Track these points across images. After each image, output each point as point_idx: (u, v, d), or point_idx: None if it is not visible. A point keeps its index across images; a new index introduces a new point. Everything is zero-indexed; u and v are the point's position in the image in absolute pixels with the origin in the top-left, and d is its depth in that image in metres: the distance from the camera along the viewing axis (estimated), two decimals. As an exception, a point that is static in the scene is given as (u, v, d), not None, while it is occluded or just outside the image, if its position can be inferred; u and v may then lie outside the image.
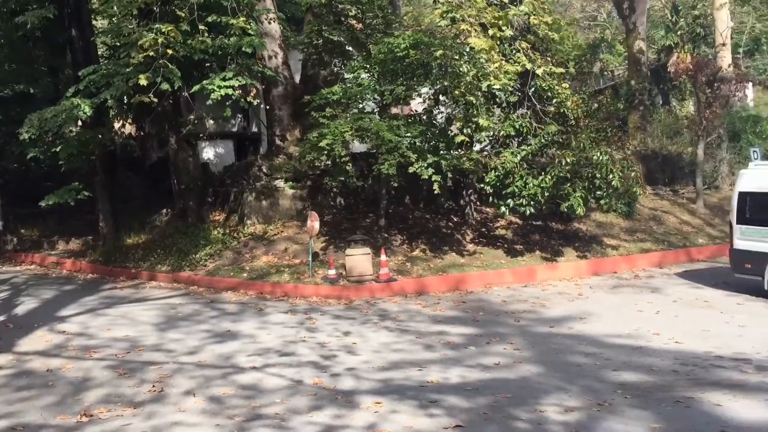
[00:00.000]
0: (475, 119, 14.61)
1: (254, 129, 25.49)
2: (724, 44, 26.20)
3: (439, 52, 13.91)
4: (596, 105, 18.37)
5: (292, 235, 18.05)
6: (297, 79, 20.46)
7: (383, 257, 15.52)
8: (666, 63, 32.47)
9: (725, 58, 25.23)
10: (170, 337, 11.54)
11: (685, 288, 14.96)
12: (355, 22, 18.37)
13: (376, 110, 17.48)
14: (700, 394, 7.58)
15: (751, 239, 13.91)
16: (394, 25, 17.65)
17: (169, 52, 13.31)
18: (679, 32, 33.16)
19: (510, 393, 7.93)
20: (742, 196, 14.17)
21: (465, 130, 15.09)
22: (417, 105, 18.30)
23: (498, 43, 14.45)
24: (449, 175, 15.80)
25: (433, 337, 11.02)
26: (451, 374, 8.83)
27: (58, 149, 18.08)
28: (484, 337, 11.02)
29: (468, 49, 14.31)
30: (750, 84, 28.89)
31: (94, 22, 23.35)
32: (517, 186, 15.87)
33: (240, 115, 25.55)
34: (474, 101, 14.45)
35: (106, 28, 18.64)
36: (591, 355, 9.66)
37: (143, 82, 13.13)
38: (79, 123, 19.53)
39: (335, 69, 19.55)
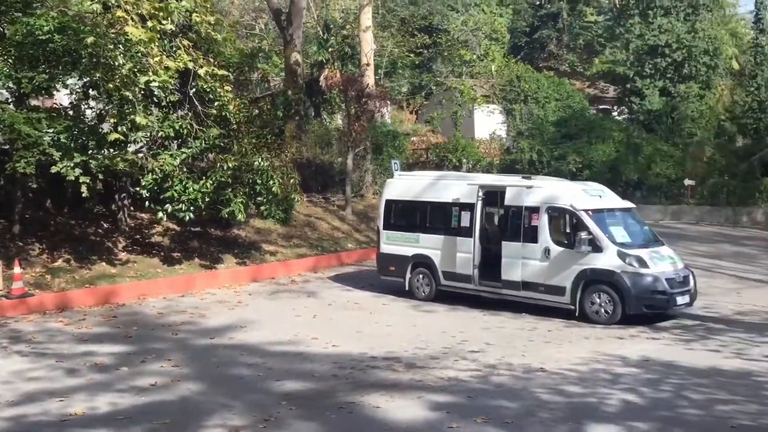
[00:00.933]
0: (132, 117, 13.46)
1: None
2: (368, 64, 28.48)
3: (90, 39, 12.47)
4: (257, 111, 18.42)
5: None
6: None
7: (17, 269, 13.43)
8: (318, 77, 34.23)
9: (370, 77, 27.45)
10: None
11: (338, 291, 15.73)
12: (-17, -5, 15.67)
13: (11, 100, 15.16)
14: (360, 397, 7.82)
15: (395, 244, 15.15)
16: (36, 4, 15.44)
17: None
18: (330, 49, 35.19)
19: (169, 418, 7.28)
20: (388, 203, 15.38)
21: (119, 128, 13.81)
22: (63, 98, 16.33)
23: (158, 36, 13.54)
24: (100, 177, 14.35)
25: (78, 360, 9.77)
26: (99, 402, 7.82)
27: None
28: (139, 354, 10.11)
29: (124, 40, 13.11)
30: (388, 102, 31.88)
31: None
32: (176, 190, 15.05)
33: None
34: (130, 97, 13.29)
35: None
36: (253, 365, 9.45)
37: None
38: None
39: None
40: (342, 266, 19.01)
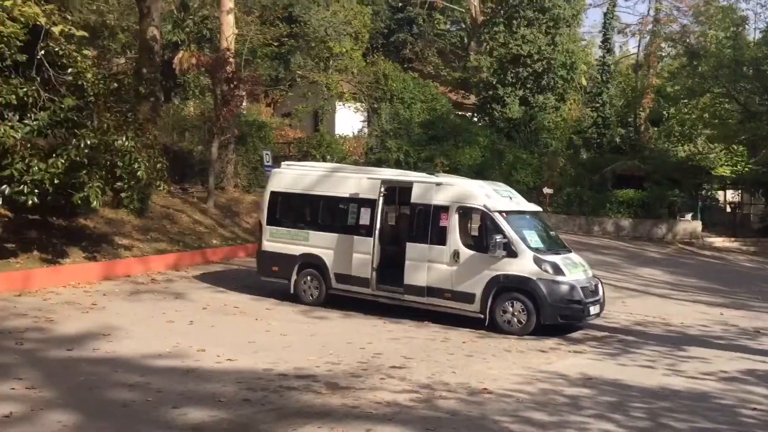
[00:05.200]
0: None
1: None
2: (228, 49, 26.41)
3: None
4: (116, 84, 16.00)
5: None
6: None
7: None
8: (171, 59, 31.52)
9: (231, 62, 25.44)
10: None
11: (210, 293, 13.92)
12: None
13: None
14: (292, 430, 6.33)
15: (279, 241, 13.59)
16: None
17: None
18: (186, 30, 32.61)
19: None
20: (274, 196, 13.79)
21: (-51, 87, 11.10)
22: None
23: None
24: None
25: None
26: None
27: None
28: (-24, 373, 7.88)
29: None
30: (260, 88, 29.83)
31: None
32: (16, 168, 12.44)
33: None
34: (-33, 49, 10.69)
35: None
36: (137, 386, 7.59)
37: None
38: None
39: None
40: (207, 264, 17.08)
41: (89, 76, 13.53)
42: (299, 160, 27.96)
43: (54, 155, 12.89)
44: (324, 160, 28.34)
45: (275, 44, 36.44)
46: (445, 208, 11.87)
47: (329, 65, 34.48)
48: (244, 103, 30.84)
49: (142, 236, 17.32)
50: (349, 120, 33.10)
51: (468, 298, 11.55)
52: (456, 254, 11.65)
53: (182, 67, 32.63)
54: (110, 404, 6.98)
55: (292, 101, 35.06)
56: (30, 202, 12.71)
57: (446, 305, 11.81)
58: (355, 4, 38.87)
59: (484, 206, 11.70)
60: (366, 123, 33.57)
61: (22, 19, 11.82)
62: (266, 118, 34.83)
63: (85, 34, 13.46)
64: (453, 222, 11.77)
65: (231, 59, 24.25)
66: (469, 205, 11.89)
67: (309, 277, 13.22)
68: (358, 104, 32.98)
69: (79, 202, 13.50)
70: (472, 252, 11.65)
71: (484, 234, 11.74)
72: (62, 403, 6.90)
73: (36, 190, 12.67)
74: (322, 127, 32.20)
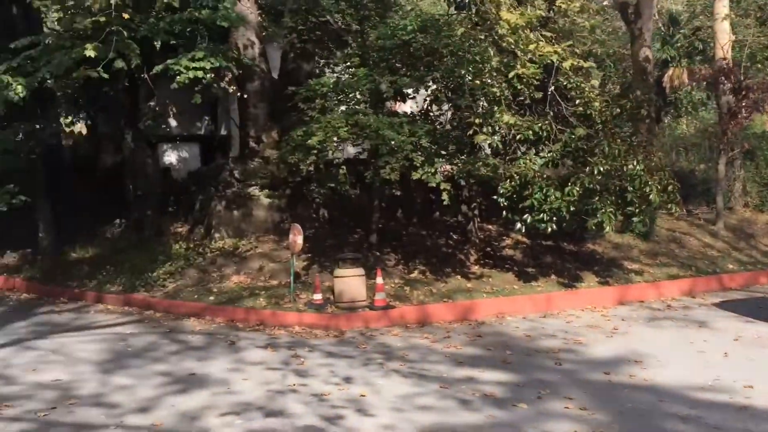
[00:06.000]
0: (499, 116, 12.12)
1: (223, 132, 22.71)
2: (725, 58, 24.31)
3: (460, 31, 11.43)
4: (618, 109, 16.10)
5: (268, 251, 15.31)
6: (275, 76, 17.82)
7: (379, 279, 12.94)
8: (660, 77, 30.67)
9: (734, 71, 23.36)
10: (116, 383, 8.76)
11: (736, 322, 12.65)
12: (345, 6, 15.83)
13: (367, 107, 14.96)
14: None
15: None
16: (394, 8, 15.13)
17: (125, 16, 10.55)
18: (677, 45, 31.45)
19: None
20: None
21: (485, 129, 12.56)
22: (409, 103, 15.84)
23: (535, 22, 12.09)
24: (462, 183, 13.31)
25: (463, 387, 8.47)
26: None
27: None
28: (529, 387, 8.48)
29: (500, 27, 11.83)
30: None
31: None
32: (536, 198, 13.40)
33: (207, 118, 22.82)
34: (497, 94, 11.97)
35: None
36: (690, 419, 7.17)
37: (90, 53, 10.32)
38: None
39: (321, 62, 16.95)
40: (724, 291, 15.74)
41: (596, 104, 13.86)
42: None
43: (569, 184, 13.49)
44: None
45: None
46: None
47: None
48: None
49: (650, 261, 16.93)
50: None
51: None
52: None
53: (672, 84, 31.54)
54: (668, 436, 6.72)
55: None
56: (549, 229, 13.52)
57: None
58: None
59: None
60: None
61: (550, 51, 12.74)
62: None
63: (593, 65, 13.86)
64: None
65: (734, 68, 22.39)
66: None
67: None
68: None
69: (593, 227, 13.85)
70: None
71: None
72: (619, 429, 6.89)
73: (554, 218, 13.43)
74: None
